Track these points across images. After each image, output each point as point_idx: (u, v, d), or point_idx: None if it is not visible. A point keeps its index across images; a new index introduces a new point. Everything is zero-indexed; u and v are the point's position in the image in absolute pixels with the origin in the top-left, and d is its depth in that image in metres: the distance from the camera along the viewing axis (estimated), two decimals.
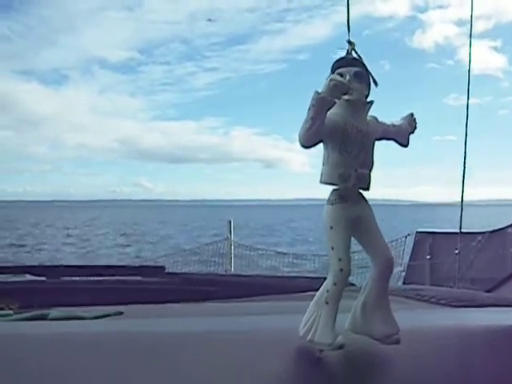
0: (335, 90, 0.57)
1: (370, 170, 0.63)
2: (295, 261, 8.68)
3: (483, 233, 6.25)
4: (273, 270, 8.39)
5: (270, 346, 0.65)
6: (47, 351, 0.65)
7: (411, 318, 0.85)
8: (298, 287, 1.38)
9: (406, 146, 0.67)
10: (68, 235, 29.70)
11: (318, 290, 0.62)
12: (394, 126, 0.66)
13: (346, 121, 0.60)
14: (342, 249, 0.59)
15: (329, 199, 0.62)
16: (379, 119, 0.65)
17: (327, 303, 0.59)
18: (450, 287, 2.13)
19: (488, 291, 1.75)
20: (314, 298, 0.62)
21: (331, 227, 0.60)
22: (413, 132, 0.67)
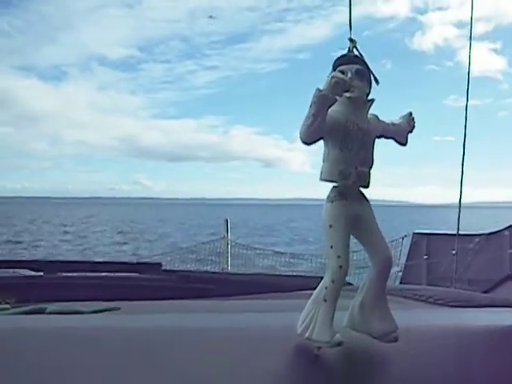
0: (336, 88, 0.57)
1: (370, 168, 0.63)
2: (292, 260, 8.68)
3: (481, 235, 6.27)
4: (270, 269, 8.38)
5: (267, 344, 0.65)
6: (45, 345, 0.64)
7: (409, 317, 0.85)
8: (294, 285, 1.38)
9: (404, 144, 0.67)
10: (65, 232, 29.65)
11: (315, 288, 0.62)
12: (393, 124, 0.66)
13: (347, 118, 0.60)
14: (341, 246, 0.59)
15: (328, 196, 0.62)
16: (379, 118, 0.65)
17: (325, 301, 0.59)
18: (447, 288, 2.13)
19: (485, 292, 1.75)
20: (312, 296, 0.62)
21: (330, 226, 0.60)
22: (411, 131, 0.67)
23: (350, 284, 1.26)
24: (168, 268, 2.12)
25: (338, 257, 0.59)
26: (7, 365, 0.58)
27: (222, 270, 7.28)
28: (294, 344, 0.62)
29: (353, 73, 0.60)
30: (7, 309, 0.99)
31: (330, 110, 0.58)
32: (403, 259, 6.87)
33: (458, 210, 1.93)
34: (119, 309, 0.98)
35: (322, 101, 0.57)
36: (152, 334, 0.71)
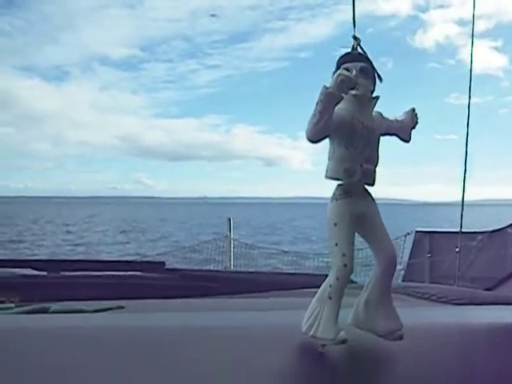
0: (343, 85, 0.57)
1: (375, 166, 0.63)
2: (295, 259, 8.67)
3: (483, 232, 6.25)
4: (273, 268, 8.38)
5: (271, 342, 0.65)
6: (48, 345, 0.65)
7: (412, 315, 0.85)
8: (298, 284, 1.38)
9: (408, 141, 0.67)
10: (68, 232, 29.69)
11: (318, 286, 0.62)
12: (396, 121, 0.66)
13: (353, 116, 0.60)
14: (346, 244, 0.59)
15: (333, 194, 0.61)
16: (383, 115, 0.65)
17: (330, 298, 0.59)
18: (450, 285, 2.13)
19: (488, 290, 1.75)
20: (317, 294, 0.61)
21: (335, 224, 0.60)
22: (414, 127, 0.67)
23: (353, 282, 1.25)
24: (171, 267, 2.12)
25: (343, 255, 0.59)
26: (11, 364, 0.58)
27: (225, 268, 7.28)
28: (299, 342, 0.62)
29: (357, 70, 0.60)
30: (11, 308, 0.99)
31: (336, 107, 0.58)
32: (406, 257, 6.86)
33: (460, 208, 1.93)
34: (122, 308, 0.98)
35: (329, 99, 0.57)
36: (155, 333, 0.71)
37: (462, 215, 2.00)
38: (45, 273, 1.54)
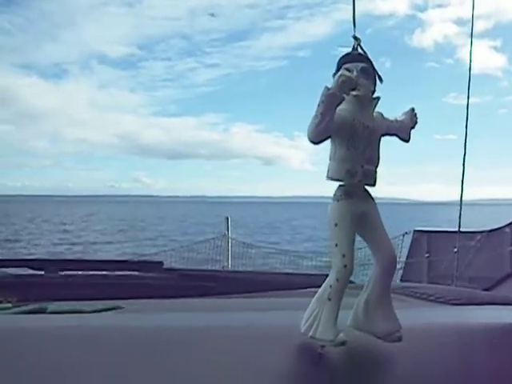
0: (344, 86, 0.57)
1: (377, 167, 0.62)
2: (293, 258, 8.67)
3: (482, 232, 6.25)
4: (271, 267, 8.37)
5: (270, 342, 0.65)
6: (46, 345, 0.64)
7: (410, 315, 0.85)
8: (297, 284, 1.38)
9: (407, 141, 0.67)
10: (65, 231, 29.63)
11: (318, 287, 0.62)
12: (396, 121, 0.66)
13: (354, 116, 0.60)
14: (346, 245, 0.59)
15: (335, 195, 0.61)
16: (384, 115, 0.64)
17: (330, 299, 0.59)
18: (448, 285, 2.13)
19: (486, 290, 1.75)
20: (316, 295, 0.61)
21: (336, 224, 0.60)
22: (414, 127, 0.67)
23: (351, 282, 1.25)
24: (169, 266, 2.12)
25: (343, 255, 0.58)
26: (8, 364, 0.58)
27: (223, 268, 7.28)
28: (298, 343, 0.62)
29: (358, 71, 0.60)
30: (8, 308, 0.99)
31: (337, 108, 0.58)
32: (404, 257, 6.86)
33: (459, 208, 1.92)
34: (120, 308, 0.97)
35: (331, 99, 0.57)
36: (153, 333, 0.70)
37: (460, 215, 2.00)
38: (42, 272, 1.54)
